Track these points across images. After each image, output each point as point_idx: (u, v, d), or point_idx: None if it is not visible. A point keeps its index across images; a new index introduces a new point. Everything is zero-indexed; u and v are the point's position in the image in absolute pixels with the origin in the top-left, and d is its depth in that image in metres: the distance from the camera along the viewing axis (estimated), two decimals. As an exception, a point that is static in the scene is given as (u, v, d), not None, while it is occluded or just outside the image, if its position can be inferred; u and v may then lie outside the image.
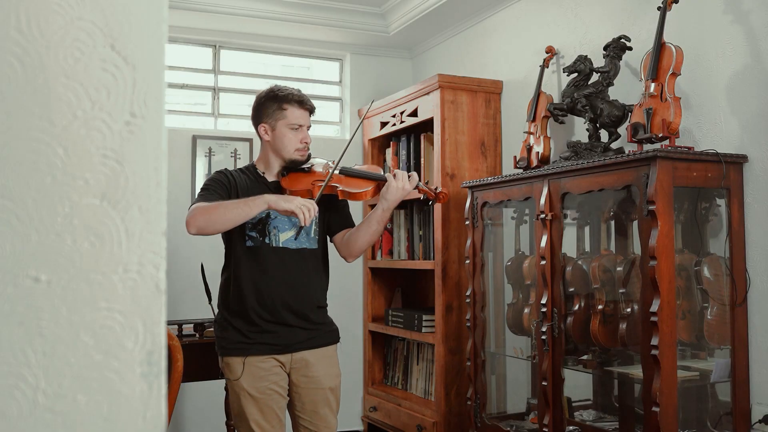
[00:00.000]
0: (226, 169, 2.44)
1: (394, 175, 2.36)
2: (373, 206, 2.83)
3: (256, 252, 2.33)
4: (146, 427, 0.69)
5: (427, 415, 3.47)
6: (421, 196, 2.48)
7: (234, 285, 2.34)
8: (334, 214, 2.48)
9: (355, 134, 2.49)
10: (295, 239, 2.36)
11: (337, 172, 2.40)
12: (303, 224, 2.17)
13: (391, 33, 4.23)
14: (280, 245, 2.34)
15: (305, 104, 2.39)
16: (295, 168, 2.42)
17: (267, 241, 2.33)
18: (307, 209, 2.14)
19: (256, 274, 2.32)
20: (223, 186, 2.32)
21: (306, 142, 2.39)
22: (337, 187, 2.37)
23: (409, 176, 2.37)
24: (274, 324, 2.32)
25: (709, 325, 2.32)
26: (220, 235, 2.38)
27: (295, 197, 2.20)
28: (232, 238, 2.34)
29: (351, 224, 2.52)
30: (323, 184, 2.32)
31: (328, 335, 2.44)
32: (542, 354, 2.65)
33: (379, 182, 2.40)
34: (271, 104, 2.38)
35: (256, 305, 2.31)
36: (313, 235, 2.41)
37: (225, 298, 2.39)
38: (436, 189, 2.47)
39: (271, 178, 2.43)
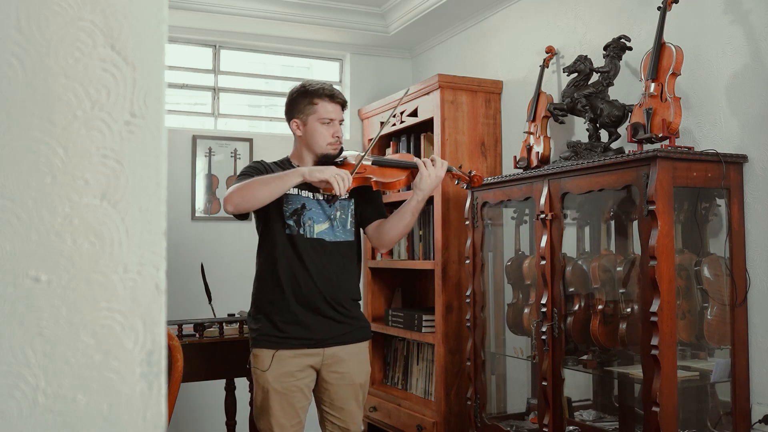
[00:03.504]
0: (262, 160, 2.47)
1: (425, 164, 2.34)
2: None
3: (294, 241, 2.33)
4: (146, 427, 0.69)
5: (427, 415, 3.47)
6: (455, 181, 2.47)
7: (271, 273, 2.35)
8: (367, 205, 2.49)
9: (382, 131, 2.53)
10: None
11: (369, 162, 2.42)
12: (338, 194, 2.20)
13: (391, 33, 4.23)
14: (315, 236, 2.35)
15: (336, 98, 2.39)
16: (328, 162, 2.43)
17: (302, 231, 2.34)
18: (341, 178, 2.18)
19: (294, 263, 2.32)
20: (261, 173, 2.34)
21: (338, 136, 2.39)
22: (370, 178, 2.38)
23: (441, 164, 2.36)
24: (309, 314, 2.32)
25: (709, 325, 2.32)
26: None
27: (329, 167, 2.23)
28: (271, 225, 2.35)
29: (384, 215, 2.53)
30: (354, 169, 2.31)
31: (361, 331, 2.43)
32: (542, 354, 2.65)
33: (412, 170, 2.40)
34: (302, 99, 2.39)
35: (292, 293, 2.32)
36: (349, 227, 2.43)
37: (261, 287, 2.40)
38: (470, 172, 2.46)
39: None
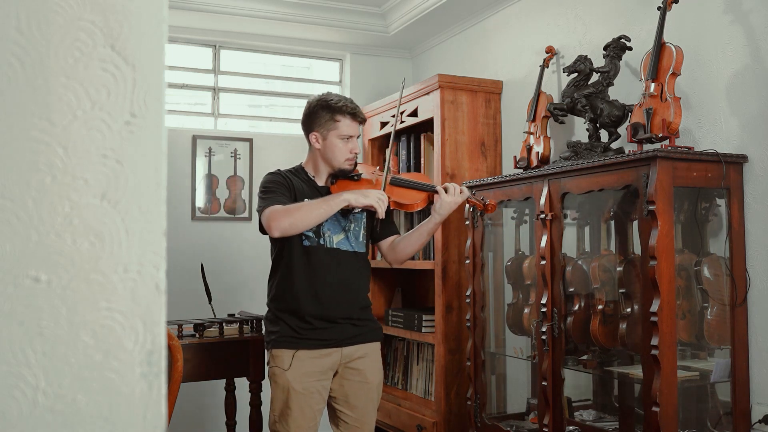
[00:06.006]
0: (278, 170, 2.49)
1: (446, 189, 2.43)
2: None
3: (313, 252, 2.38)
4: (146, 427, 0.69)
5: (427, 415, 3.47)
6: (471, 208, 2.51)
7: (288, 283, 2.39)
8: (382, 222, 2.53)
9: (392, 143, 2.60)
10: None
11: (388, 181, 2.48)
12: (380, 216, 2.30)
13: (391, 33, 4.23)
14: (333, 246, 2.41)
15: (357, 117, 2.45)
16: (343, 175, 2.49)
17: (322, 242, 2.39)
18: (383, 202, 2.29)
19: (312, 274, 2.38)
20: (285, 187, 2.39)
21: (355, 153, 2.46)
22: (389, 198, 2.43)
23: (460, 190, 2.45)
24: (324, 322, 2.38)
25: (709, 325, 2.32)
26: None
27: (370, 191, 2.32)
28: (289, 237, 2.37)
29: (396, 231, 2.62)
30: (382, 188, 2.39)
31: (375, 332, 2.51)
32: (542, 354, 2.65)
33: (429, 193, 2.47)
34: (324, 114, 2.43)
35: (310, 303, 2.37)
36: (361, 239, 2.48)
37: (277, 295, 2.43)
38: (483, 200, 2.52)
39: (320, 182, 2.49)
